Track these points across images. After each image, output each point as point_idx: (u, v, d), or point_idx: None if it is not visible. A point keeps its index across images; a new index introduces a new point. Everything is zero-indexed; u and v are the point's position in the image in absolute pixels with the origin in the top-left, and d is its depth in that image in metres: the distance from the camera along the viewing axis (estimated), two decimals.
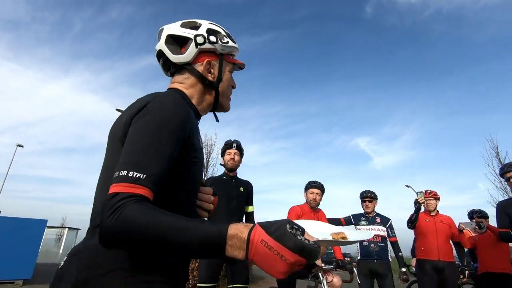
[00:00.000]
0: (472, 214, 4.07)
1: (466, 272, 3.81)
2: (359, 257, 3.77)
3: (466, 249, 4.08)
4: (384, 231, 3.72)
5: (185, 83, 0.94)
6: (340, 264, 3.21)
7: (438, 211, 3.89)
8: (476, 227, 3.68)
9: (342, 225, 3.94)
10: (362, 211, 3.95)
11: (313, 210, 3.40)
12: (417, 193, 3.75)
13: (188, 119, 0.80)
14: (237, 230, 0.59)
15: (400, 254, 3.73)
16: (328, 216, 3.62)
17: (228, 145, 2.89)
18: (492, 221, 3.95)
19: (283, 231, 0.58)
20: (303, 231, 0.60)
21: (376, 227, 3.74)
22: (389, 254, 3.72)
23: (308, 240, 0.58)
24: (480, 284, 3.77)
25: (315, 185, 3.43)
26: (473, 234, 3.91)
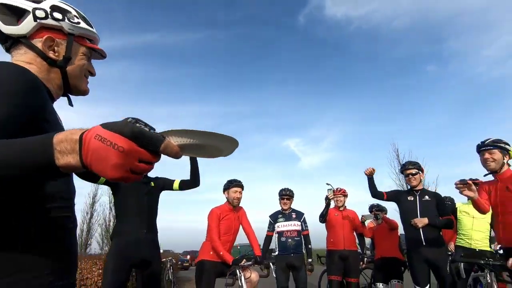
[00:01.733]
0: (372, 208, 4.72)
1: (365, 259, 4.41)
2: (277, 252, 3.98)
3: (368, 238, 4.73)
4: (299, 225, 4.01)
5: (23, 60, 0.83)
6: (258, 260, 3.35)
7: (345, 206, 4.38)
8: (375, 218, 4.36)
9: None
10: (280, 208, 4.18)
11: (234, 208, 3.44)
12: (327, 190, 4.16)
13: (36, 85, 0.72)
14: (68, 133, 0.49)
15: (309, 246, 4.09)
16: (248, 214, 3.71)
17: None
18: (390, 214, 4.66)
19: (121, 122, 0.50)
20: (151, 128, 0.53)
21: (293, 222, 4.01)
22: (303, 247, 4.03)
23: (153, 130, 0.52)
24: (377, 268, 4.40)
25: (238, 184, 3.42)
26: (375, 225, 4.58)
